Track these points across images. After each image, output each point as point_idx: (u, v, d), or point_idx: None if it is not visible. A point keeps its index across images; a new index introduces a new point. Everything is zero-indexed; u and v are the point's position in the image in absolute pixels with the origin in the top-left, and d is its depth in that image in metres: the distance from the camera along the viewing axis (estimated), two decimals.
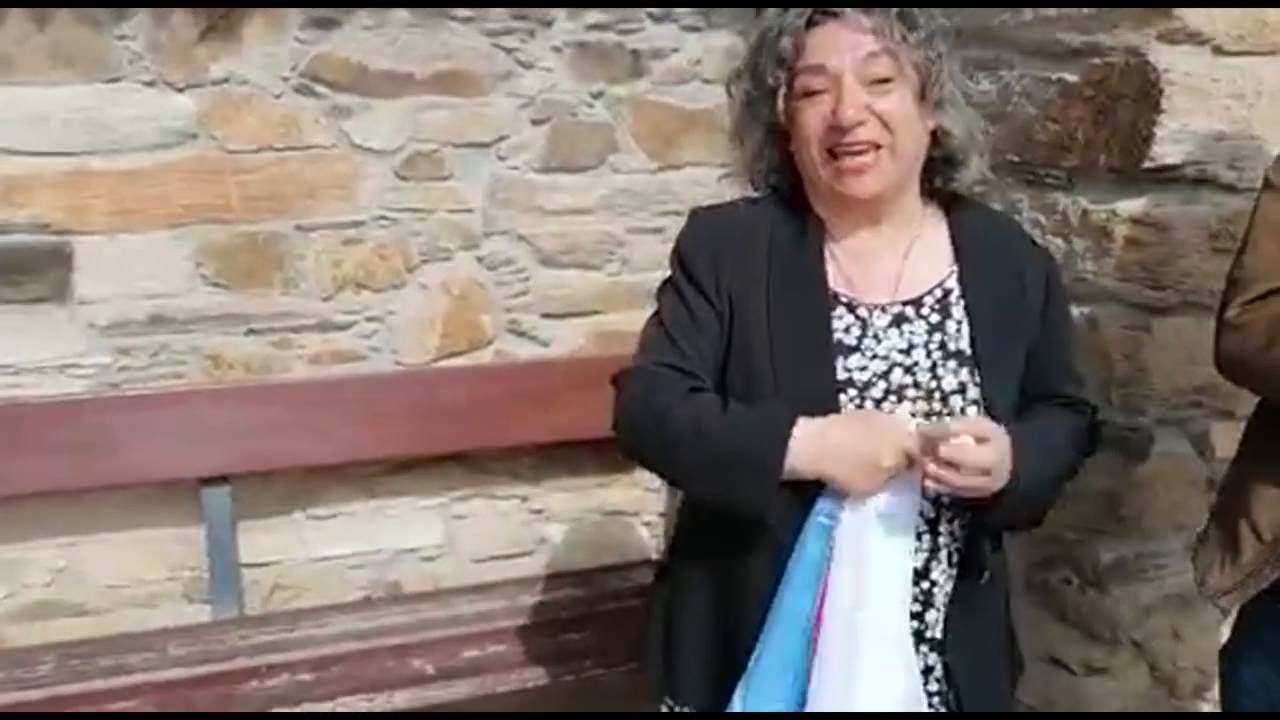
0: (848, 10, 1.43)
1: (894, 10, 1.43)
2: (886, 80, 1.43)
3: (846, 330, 1.50)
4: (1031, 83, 2.07)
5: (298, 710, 2.24)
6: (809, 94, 1.44)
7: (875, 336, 1.50)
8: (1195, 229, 1.96)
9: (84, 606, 2.55)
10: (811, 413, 1.44)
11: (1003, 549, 1.65)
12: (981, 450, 1.39)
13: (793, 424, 1.41)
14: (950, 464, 1.38)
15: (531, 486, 2.88)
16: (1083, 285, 2.03)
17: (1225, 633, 1.71)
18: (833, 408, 1.45)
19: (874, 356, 1.49)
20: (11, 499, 2.41)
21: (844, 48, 1.42)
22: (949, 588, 1.54)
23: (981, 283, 1.54)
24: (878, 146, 1.44)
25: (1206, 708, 2.19)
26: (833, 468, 1.41)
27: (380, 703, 2.27)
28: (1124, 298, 2.00)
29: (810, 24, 1.44)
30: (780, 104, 1.47)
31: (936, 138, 1.51)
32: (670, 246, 1.61)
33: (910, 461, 1.41)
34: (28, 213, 2.36)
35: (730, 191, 1.66)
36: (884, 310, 1.51)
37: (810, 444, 1.41)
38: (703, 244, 1.55)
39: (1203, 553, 1.65)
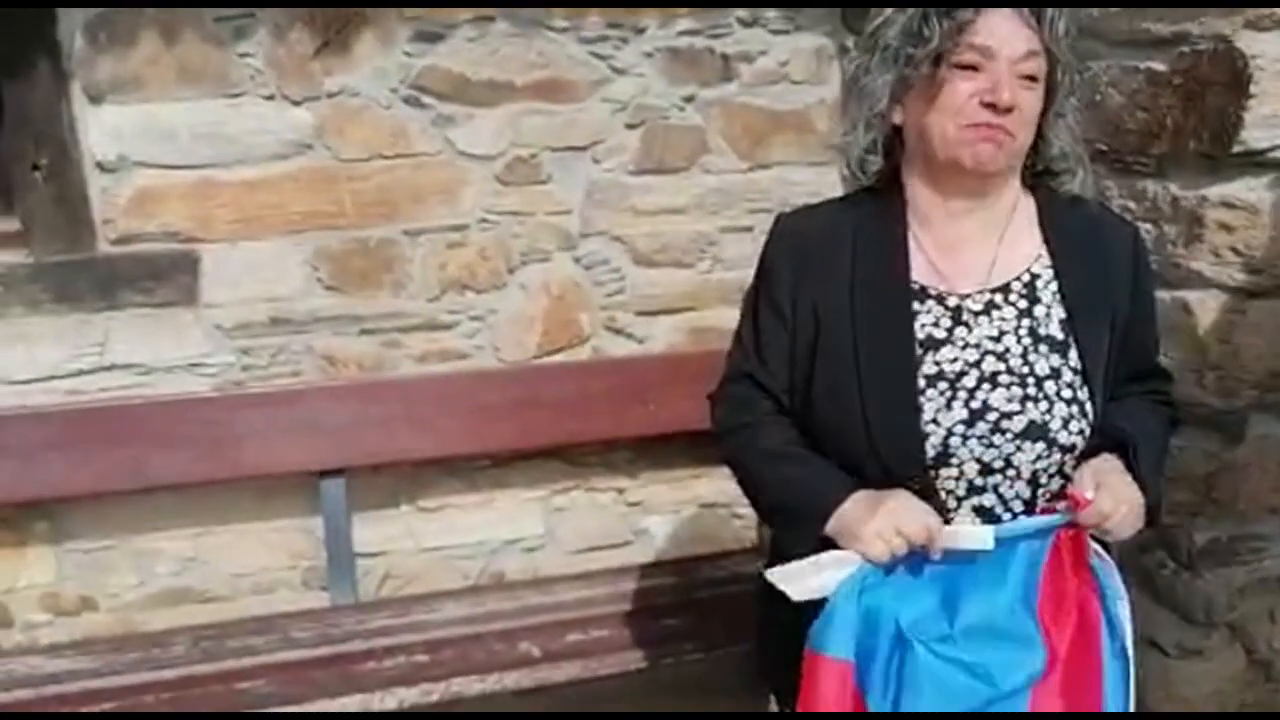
0: (1024, 9, 1.47)
1: (1060, 26, 1.49)
2: (1032, 79, 1.48)
3: (936, 323, 1.54)
4: (1120, 72, 2.09)
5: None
6: (962, 67, 1.47)
7: (966, 325, 1.54)
8: None
9: (210, 594, 2.69)
10: (894, 409, 1.50)
11: None
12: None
13: (839, 499, 1.50)
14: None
15: (628, 479, 2.96)
16: (1175, 270, 2.05)
17: None
18: (913, 404, 1.50)
19: (965, 346, 1.53)
20: (143, 492, 2.55)
21: (1011, 37, 1.46)
22: None
23: (1072, 268, 1.57)
24: (1011, 134, 1.48)
25: None
26: (856, 540, 1.47)
27: (491, 683, 2.36)
28: (1216, 282, 2.01)
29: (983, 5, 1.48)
30: (938, 69, 1.48)
31: (1037, 143, 1.56)
32: (760, 244, 1.68)
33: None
34: (158, 222, 2.50)
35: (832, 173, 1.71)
36: (974, 299, 1.55)
37: (843, 518, 1.49)
38: (786, 253, 1.62)
39: None
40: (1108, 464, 1.51)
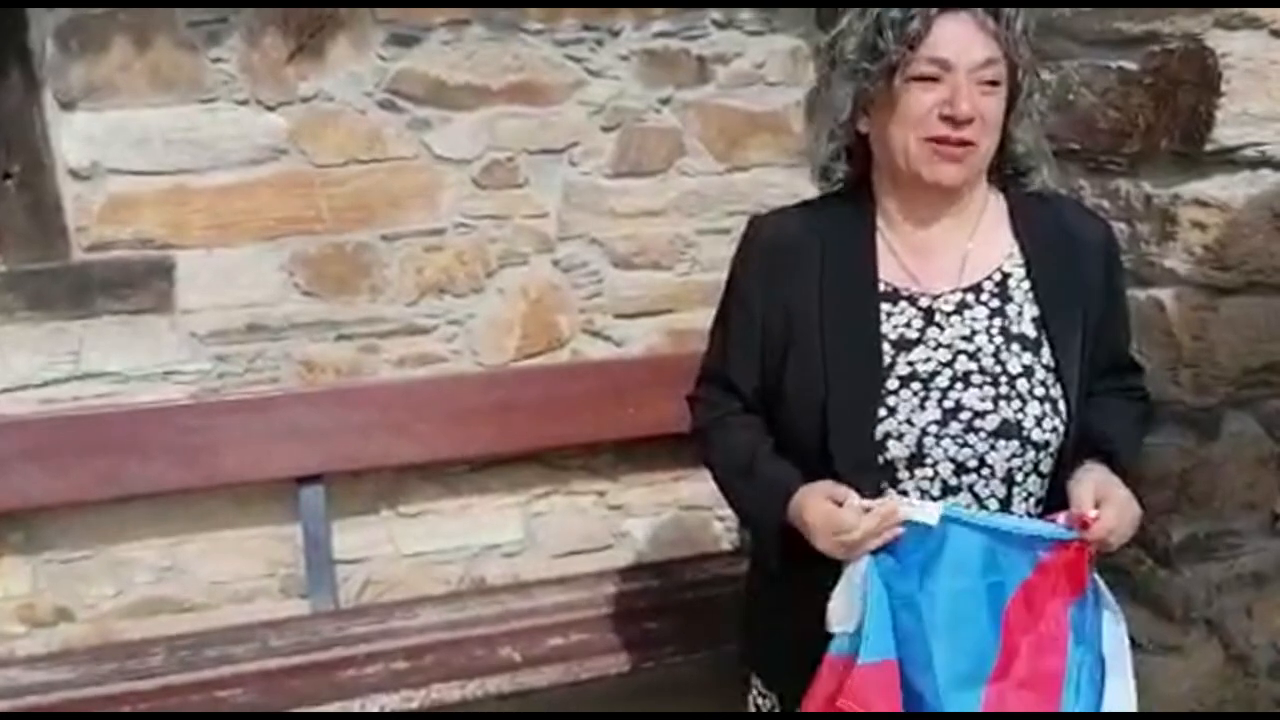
0: (978, 11, 1.46)
1: (1019, 26, 1.47)
2: (994, 83, 1.47)
3: (908, 324, 1.54)
4: (1091, 72, 2.10)
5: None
6: (920, 79, 1.46)
7: (939, 325, 1.53)
8: (1258, 210, 1.97)
9: (188, 603, 2.67)
10: (862, 409, 1.50)
11: None
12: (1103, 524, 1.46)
13: (788, 499, 1.52)
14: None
15: (609, 482, 2.95)
16: (1148, 269, 2.05)
17: None
18: (880, 404, 1.50)
19: (938, 346, 1.53)
20: (120, 500, 2.54)
21: (968, 46, 1.45)
22: None
23: (1044, 265, 1.56)
24: (972, 143, 1.47)
25: None
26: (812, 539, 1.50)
27: (473, 689, 2.34)
28: (1190, 280, 2.02)
29: (940, 14, 1.46)
30: (894, 81, 1.47)
31: (1003, 143, 1.55)
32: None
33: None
34: (133, 229, 2.49)
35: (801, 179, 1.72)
36: (946, 299, 1.55)
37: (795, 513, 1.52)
38: (757, 256, 1.63)
39: None
40: (1101, 474, 1.52)
